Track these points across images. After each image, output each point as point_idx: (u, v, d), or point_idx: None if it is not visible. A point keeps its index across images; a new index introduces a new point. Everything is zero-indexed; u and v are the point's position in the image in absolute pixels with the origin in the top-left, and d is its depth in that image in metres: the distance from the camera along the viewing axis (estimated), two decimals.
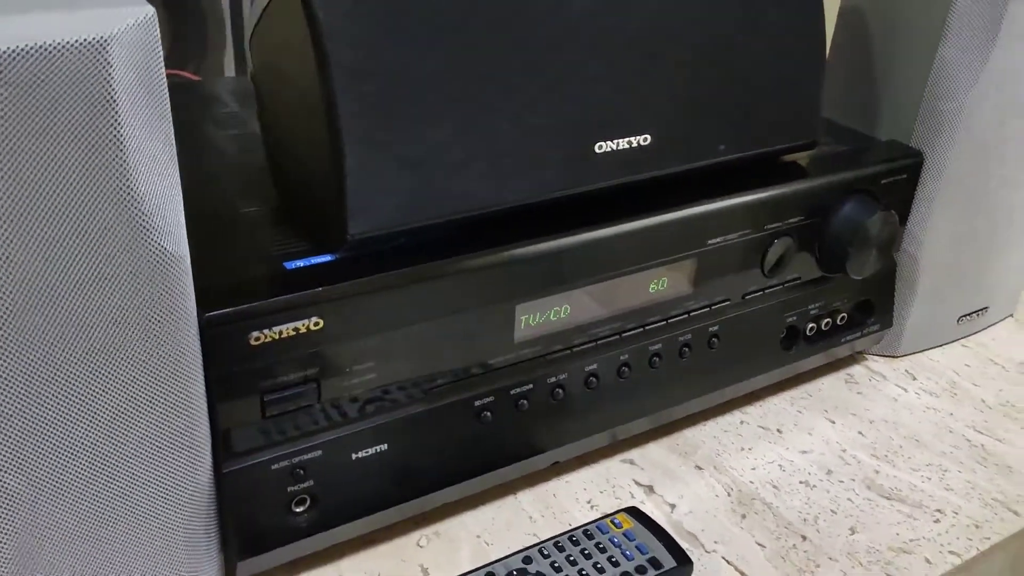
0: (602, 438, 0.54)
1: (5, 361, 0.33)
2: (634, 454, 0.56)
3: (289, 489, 0.43)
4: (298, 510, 0.43)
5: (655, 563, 0.45)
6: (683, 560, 0.46)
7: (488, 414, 0.48)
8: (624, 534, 0.47)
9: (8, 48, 0.28)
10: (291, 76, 0.42)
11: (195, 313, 0.37)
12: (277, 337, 0.39)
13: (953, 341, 0.70)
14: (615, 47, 0.46)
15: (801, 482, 0.55)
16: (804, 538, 0.51)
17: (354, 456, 0.44)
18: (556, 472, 0.54)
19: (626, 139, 0.47)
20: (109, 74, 0.30)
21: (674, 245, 0.50)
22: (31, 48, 0.29)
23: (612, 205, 0.49)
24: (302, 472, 0.43)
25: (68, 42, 0.29)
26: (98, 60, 0.30)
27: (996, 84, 0.58)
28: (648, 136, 0.48)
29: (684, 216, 0.50)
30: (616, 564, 0.45)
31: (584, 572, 0.44)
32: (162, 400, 0.37)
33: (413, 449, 0.46)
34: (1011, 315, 0.74)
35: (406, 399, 0.45)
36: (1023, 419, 0.61)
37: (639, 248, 0.49)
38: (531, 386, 0.49)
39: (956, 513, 0.53)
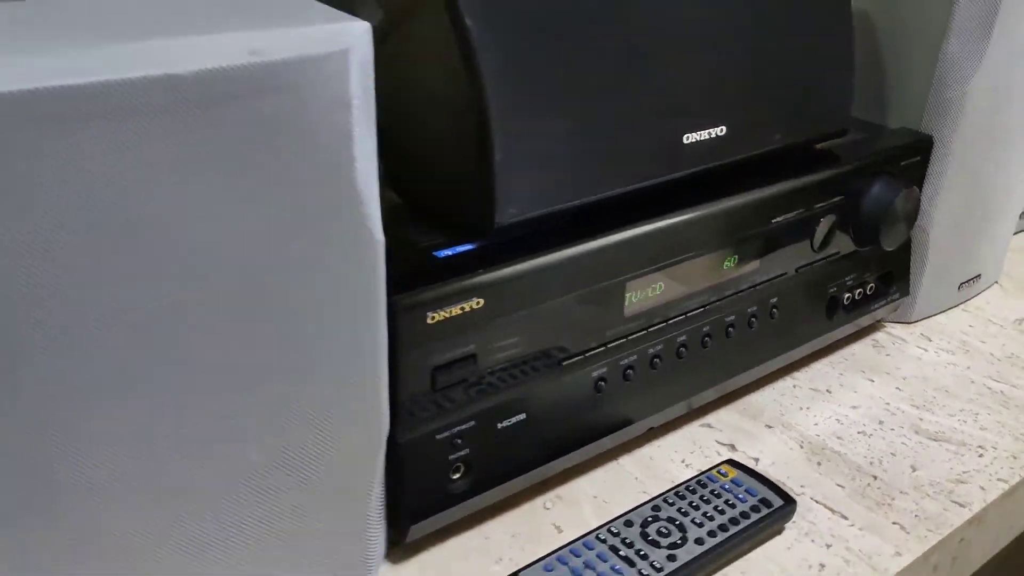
0: (682, 407, 0.59)
1: (251, 341, 0.36)
2: (710, 419, 0.62)
3: (450, 457, 0.47)
4: (455, 477, 0.48)
5: (765, 503, 0.51)
6: (788, 500, 0.52)
7: (603, 383, 0.53)
8: (732, 481, 0.53)
9: (282, 58, 0.33)
10: (428, 86, 0.46)
11: (386, 295, 0.41)
12: (447, 316, 0.44)
13: (954, 307, 0.78)
14: (697, 55, 0.52)
15: (859, 432, 0.61)
16: (875, 477, 0.57)
17: (499, 425, 0.49)
18: (647, 439, 0.59)
19: (707, 131, 0.53)
20: (348, 79, 0.35)
21: (747, 224, 0.57)
22: (297, 58, 0.33)
23: (690, 192, 0.55)
24: (460, 441, 0.47)
25: (324, 53, 0.34)
26: (343, 67, 0.35)
27: (991, 74, 0.66)
28: (724, 127, 0.54)
29: (756, 198, 0.56)
30: (733, 506, 0.51)
31: (708, 514, 0.50)
32: (361, 378, 0.41)
33: (545, 418, 0.51)
34: (996, 281, 0.82)
35: (542, 371, 0.50)
36: None
37: (720, 227, 0.55)
38: (635, 357, 0.54)
39: (995, 448, 0.60)
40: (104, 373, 0.33)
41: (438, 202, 0.49)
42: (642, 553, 0.47)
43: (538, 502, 0.54)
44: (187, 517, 0.38)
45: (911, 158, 0.66)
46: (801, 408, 0.64)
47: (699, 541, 0.48)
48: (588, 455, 0.54)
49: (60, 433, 0.33)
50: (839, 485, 0.56)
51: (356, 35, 0.35)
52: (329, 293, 0.38)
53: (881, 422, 0.63)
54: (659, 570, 0.46)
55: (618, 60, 0.49)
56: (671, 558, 0.47)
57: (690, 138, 0.53)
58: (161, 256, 0.33)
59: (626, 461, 0.57)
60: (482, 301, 0.45)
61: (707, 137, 0.53)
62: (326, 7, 0.37)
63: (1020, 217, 0.92)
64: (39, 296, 0.30)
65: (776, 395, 0.65)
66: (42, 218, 0.30)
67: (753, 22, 0.54)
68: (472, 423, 0.47)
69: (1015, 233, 0.91)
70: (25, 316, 0.30)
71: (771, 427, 0.61)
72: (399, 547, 0.50)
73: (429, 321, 0.43)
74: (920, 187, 0.69)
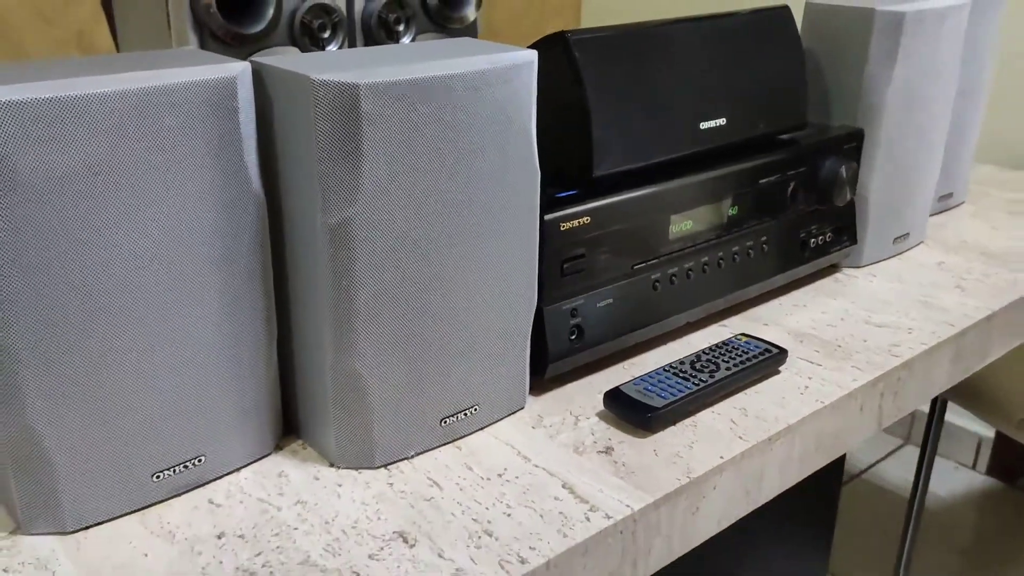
0: (705, 310, 0.88)
1: (488, 227, 0.65)
2: (724, 322, 0.90)
3: (570, 323, 0.75)
4: (572, 337, 0.76)
5: (767, 351, 0.79)
6: (783, 350, 0.80)
7: (658, 284, 0.81)
8: (745, 343, 0.81)
9: (507, 65, 0.62)
10: (553, 95, 0.76)
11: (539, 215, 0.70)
12: (570, 226, 0.73)
13: (891, 257, 1.07)
14: (709, 74, 0.82)
15: (828, 325, 0.90)
16: (839, 346, 0.86)
17: (598, 305, 0.77)
18: (684, 332, 0.88)
19: (714, 121, 0.83)
20: (533, 77, 0.64)
21: (742, 183, 0.86)
22: (513, 65, 0.63)
23: (706, 161, 0.84)
24: (575, 311, 0.75)
25: (523, 63, 0.63)
26: (531, 70, 0.64)
27: (899, 87, 0.97)
28: (724, 119, 0.84)
29: (747, 166, 0.86)
30: (747, 353, 0.79)
31: (732, 357, 0.78)
32: (527, 259, 0.69)
33: (624, 304, 0.79)
34: (923, 241, 1.12)
35: (622, 271, 0.78)
36: (945, 288, 0.99)
37: (726, 184, 0.85)
38: (676, 268, 0.83)
39: (920, 329, 0.89)
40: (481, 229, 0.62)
41: (554, 164, 0.78)
42: (692, 375, 0.75)
43: (620, 366, 0.82)
44: (454, 325, 0.66)
45: (850, 144, 0.97)
46: (787, 315, 0.92)
47: (727, 369, 0.76)
48: (649, 335, 0.83)
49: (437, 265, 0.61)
50: (815, 351, 0.85)
51: (532, 56, 0.65)
52: (521, 204, 0.67)
53: (842, 319, 0.91)
54: (704, 382, 0.74)
55: (665, 78, 0.79)
56: (712, 376, 0.75)
57: (704, 125, 0.83)
58: (469, 175, 0.62)
59: (673, 345, 0.86)
60: (588, 219, 0.74)
61: (714, 125, 0.84)
62: (508, 45, 0.67)
63: (939, 200, 1.23)
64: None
65: (768, 310, 0.94)
66: (430, 143, 0.59)
67: (743, 57, 0.85)
68: (582, 301, 0.76)
69: (936, 213, 1.22)
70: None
71: (767, 325, 0.90)
72: (536, 388, 0.77)
73: (561, 229, 0.72)
74: (859, 165, 0.99)
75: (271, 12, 0.96)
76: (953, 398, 1.51)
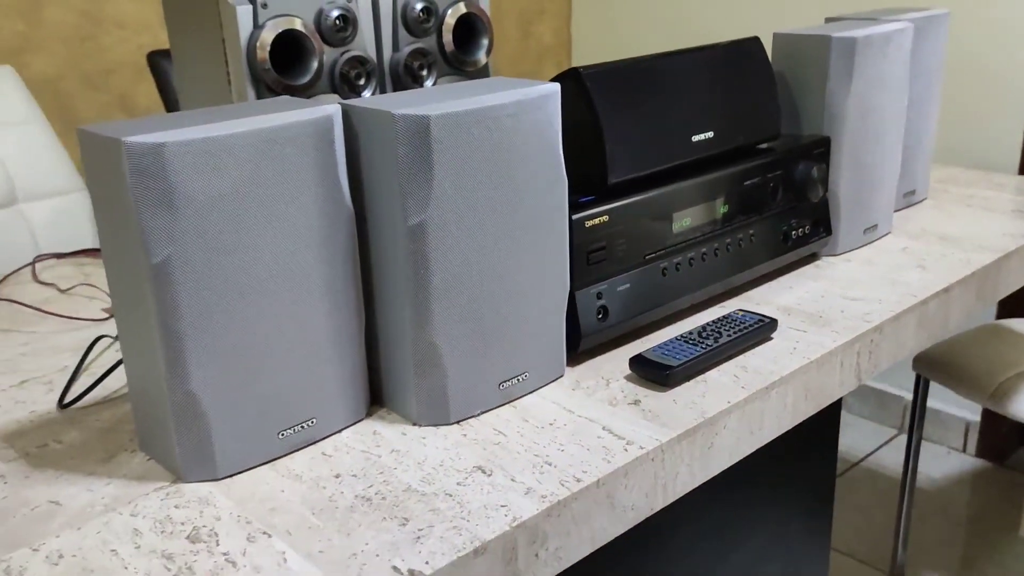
0: (706, 293, 1.04)
1: (529, 234, 0.81)
2: (724, 303, 1.07)
3: (596, 304, 0.91)
4: (599, 316, 0.92)
5: (761, 321, 0.96)
6: (774, 320, 0.96)
7: (666, 270, 0.98)
8: (742, 315, 0.97)
9: (537, 96, 0.79)
10: (571, 116, 0.93)
11: (568, 215, 0.86)
12: (593, 224, 0.89)
13: (863, 246, 1.24)
14: (699, 96, 0.99)
15: (811, 301, 1.06)
16: (820, 316, 1.02)
17: (618, 289, 0.93)
18: (690, 312, 1.04)
19: (703, 134, 1.01)
20: (557, 104, 0.81)
21: (730, 185, 1.03)
22: (542, 96, 0.79)
23: (700, 167, 1.01)
24: (600, 295, 0.92)
25: (550, 93, 0.80)
26: (556, 99, 0.81)
27: (856, 99, 1.14)
28: (712, 132, 1.01)
29: (734, 171, 1.03)
30: (744, 322, 0.95)
31: (732, 326, 0.94)
32: (560, 252, 0.86)
33: (639, 288, 0.95)
34: (890, 232, 1.29)
35: (635, 259, 0.95)
36: (908, 268, 1.15)
37: (717, 187, 1.02)
38: (680, 258, 0.99)
39: (889, 300, 1.06)
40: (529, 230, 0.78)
41: (576, 174, 0.95)
42: (700, 341, 0.91)
43: (639, 340, 0.98)
44: (510, 310, 0.82)
45: (819, 149, 1.14)
46: (776, 295, 1.09)
47: (728, 336, 0.92)
48: (661, 314, 0.99)
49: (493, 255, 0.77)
50: (801, 321, 1.01)
51: (556, 89, 0.82)
52: (553, 205, 0.83)
53: (823, 296, 1.08)
54: (710, 346, 0.90)
55: (661, 100, 0.96)
56: (716, 341, 0.91)
57: (695, 138, 1.00)
58: (513, 183, 0.78)
59: (681, 323, 1.02)
60: (607, 217, 0.90)
61: (703, 138, 1.01)
62: (532, 80, 0.84)
63: (904, 196, 1.40)
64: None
65: (760, 292, 1.10)
66: (481, 169, 0.75)
67: (723, 80, 1.02)
68: (606, 286, 0.92)
69: (901, 208, 1.39)
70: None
71: (759, 304, 1.06)
72: (571, 361, 0.93)
73: (586, 226, 0.89)
74: (828, 166, 1.16)
75: (315, 65, 1.13)
76: (934, 377, 1.67)
